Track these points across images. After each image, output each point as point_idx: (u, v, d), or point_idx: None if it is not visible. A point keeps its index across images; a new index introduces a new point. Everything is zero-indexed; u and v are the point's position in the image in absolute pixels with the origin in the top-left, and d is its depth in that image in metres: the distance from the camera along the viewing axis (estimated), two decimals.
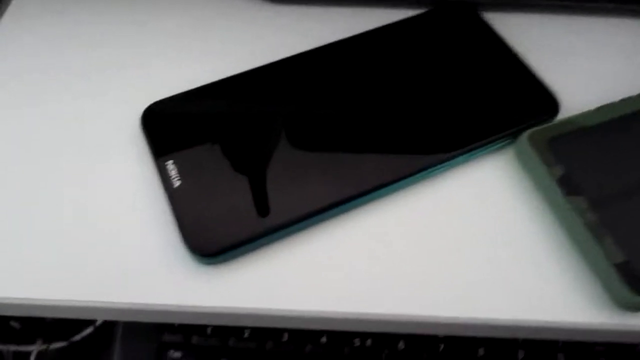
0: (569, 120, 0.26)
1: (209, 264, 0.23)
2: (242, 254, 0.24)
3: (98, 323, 0.45)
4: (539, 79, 0.28)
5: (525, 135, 0.26)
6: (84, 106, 0.28)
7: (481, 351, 0.36)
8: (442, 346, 0.35)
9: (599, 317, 0.23)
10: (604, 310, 0.23)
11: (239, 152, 0.26)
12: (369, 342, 0.36)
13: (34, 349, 0.43)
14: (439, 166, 0.25)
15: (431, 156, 0.25)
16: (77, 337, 0.43)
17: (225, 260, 0.24)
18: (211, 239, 0.23)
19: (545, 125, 0.26)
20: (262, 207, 0.24)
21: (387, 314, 0.23)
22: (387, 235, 0.25)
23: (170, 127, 0.27)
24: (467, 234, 0.25)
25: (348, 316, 0.23)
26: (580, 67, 0.30)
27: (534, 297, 0.23)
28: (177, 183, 0.25)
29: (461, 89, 0.28)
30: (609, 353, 0.35)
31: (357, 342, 0.36)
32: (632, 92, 0.29)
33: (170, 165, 0.25)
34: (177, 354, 0.35)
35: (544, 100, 0.27)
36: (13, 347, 0.43)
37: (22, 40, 0.31)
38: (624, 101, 0.27)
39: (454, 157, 0.26)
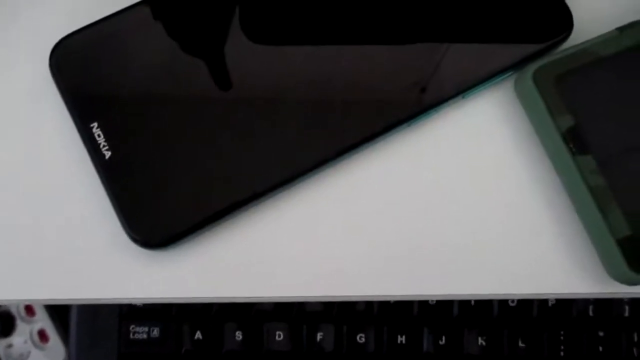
0: (584, 49, 0.21)
1: (154, 250, 0.20)
2: (194, 237, 0.20)
3: None
4: None
5: (529, 73, 0.21)
6: None
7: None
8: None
9: (594, 288, 0.21)
10: (600, 281, 0.21)
11: (184, 104, 0.21)
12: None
13: None
14: (418, 117, 0.21)
15: (407, 104, 0.21)
16: None
17: (174, 246, 0.20)
18: (157, 226, 0.20)
19: (554, 58, 0.21)
20: (217, 180, 0.20)
21: (358, 295, 0.21)
22: (360, 200, 0.21)
23: (91, 72, 0.21)
24: (454, 193, 0.21)
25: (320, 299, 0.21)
26: None
27: (527, 268, 0.21)
28: (107, 154, 0.20)
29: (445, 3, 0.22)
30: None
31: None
32: None
33: (96, 130, 0.20)
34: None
35: (553, 15, 0.22)
36: None
37: None
38: None
39: (436, 105, 0.21)
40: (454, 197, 0.21)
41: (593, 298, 0.22)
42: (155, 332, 0.29)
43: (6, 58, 0.22)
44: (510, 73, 0.22)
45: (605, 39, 0.21)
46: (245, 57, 0.21)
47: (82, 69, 0.21)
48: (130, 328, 0.29)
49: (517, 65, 0.22)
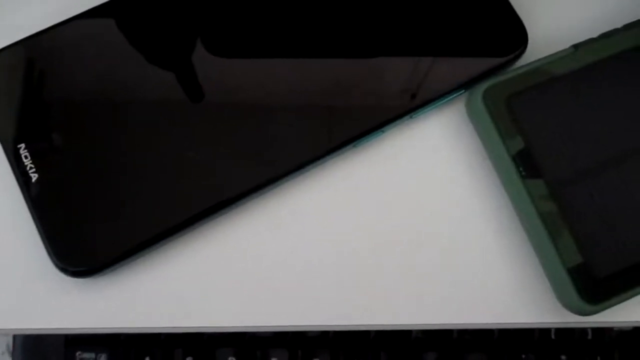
0: (537, 67, 0.20)
1: (79, 278, 0.19)
2: (123, 265, 0.19)
3: None
4: (510, 5, 0.22)
5: (479, 93, 0.20)
6: None
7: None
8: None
9: (545, 318, 0.20)
10: (552, 311, 0.20)
11: (113, 127, 0.20)
12: None
13: None
14: (364, 138, 0.20)
15: (352, 124, 0.20)
16: None
17: (100, 275, 0.19)
18: (84, 254, 0.19)
19: (505, 77, 0.20)
20: (146, 205, 0.19)
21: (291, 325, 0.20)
22: (298, 226, 0.20)
23: (19, 88, 0.20)
24: (399, 217, 0.20)
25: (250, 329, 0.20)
26: None
27: (477, 297, 0.20)
28: (34, 176, 0.19)
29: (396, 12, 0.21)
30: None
31: None
32: (616, 24, 0.22)
33: (24, 150, 0.19)
34: None
35: (507, 31, 0.21)
36: None
37: None
38: (608, 37, 0.21)
39: (382, 125, 0.20)
40: (398, 221, 0.20)
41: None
42: (103, 359, 0.28)
43: None
44: (461, 91, 0.21)
45: (559, 57, 0.21)
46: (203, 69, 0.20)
47: (9, 84, 0.20)
48: (77, 354, 0.28)
49: (468, 84, 0.21)
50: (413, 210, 0.21)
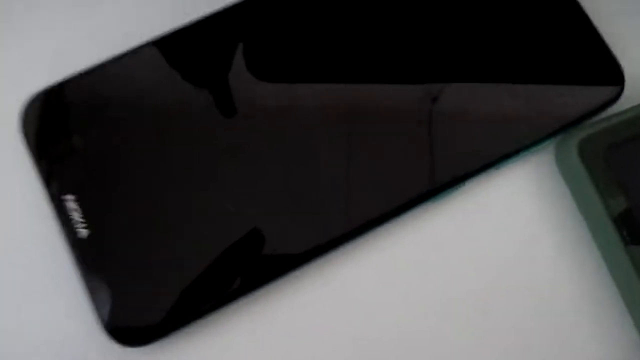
0: (638, 115, 0.18)
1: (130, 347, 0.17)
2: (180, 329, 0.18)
3: None
4: (603, 41, 0.19)
5: (573, 143, 0.18)
6: None
7: None
8: None
9: None
10: None
11: (174, 183, 0.18)
12: None
13: None
14: (449, 190, 0.18)
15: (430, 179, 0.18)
16: None
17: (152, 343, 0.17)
18: (136, 321, 0.17)
19: (603, 125, 0.18)
20: (206, 270, 0.17)
21: None
22: (358, 294, 0.18)
23: (68, 134, 0.18)
24: (478, 283, 0.18)
25: None
26: None
27: None
28: (83, 232, 0.17)
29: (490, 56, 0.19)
30: None
31: None
32: None
33: (72, 203, 0.18)
34: None
35: (601, 72, 0.19)
36: None
37: None
38: None
39: (471, 175, 0.18)
40: (475, 286, 0.18)
41: None
42: None
43: None
44: (550, 140, 0.19)
45: None
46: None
47: (57, 130, 0.18)
48: None
49: (559, 132, 0.19)
50: (492, 274, 0.18)
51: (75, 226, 0.17)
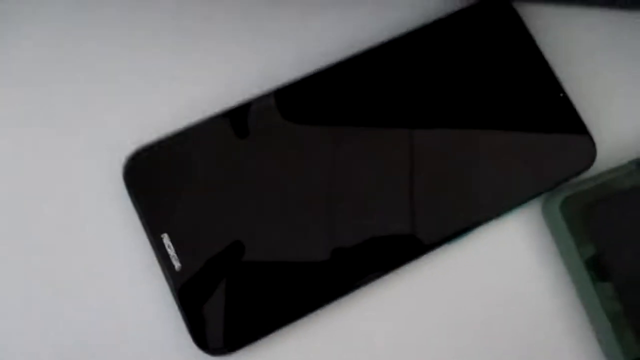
0: (607, 181, 0.24)
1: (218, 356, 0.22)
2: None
3: None
4: (578, 114, 0.25)
5: (557, 202, 0.23)
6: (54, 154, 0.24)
7: None
8: None
9: None
10: None
11: (253, 219, 0.23)
12: None
13: None
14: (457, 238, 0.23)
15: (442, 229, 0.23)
16: None
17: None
18: (224, 335, 0.22)
19: (581, 188, 0.24)
20: (285, 292, 0.22)
21: None
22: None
23: (163, 183, 0.23)
24: (475, 318, 0.24)
25: None
26: (616, 94, 0.26)
27: None
28: (177, 264, 0.22)
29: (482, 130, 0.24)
30: None
31: None
32: None
33: (167, 240, 0.22)
34: None
35: (579, 144, 0.25)
36: None
37: None
38: None
39: (477, 225, 0.24)
40: (469, 327, 0.24)
41: None
42: None
43: (81, 164, 0.24)
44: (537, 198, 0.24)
45: (624, 174, 0.24)
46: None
47: (154, 180, 0.23)
48: None
49: (542, 193, 0.24)
50: (486, 313, 0.24)
51: (170, 259, 0.22)
